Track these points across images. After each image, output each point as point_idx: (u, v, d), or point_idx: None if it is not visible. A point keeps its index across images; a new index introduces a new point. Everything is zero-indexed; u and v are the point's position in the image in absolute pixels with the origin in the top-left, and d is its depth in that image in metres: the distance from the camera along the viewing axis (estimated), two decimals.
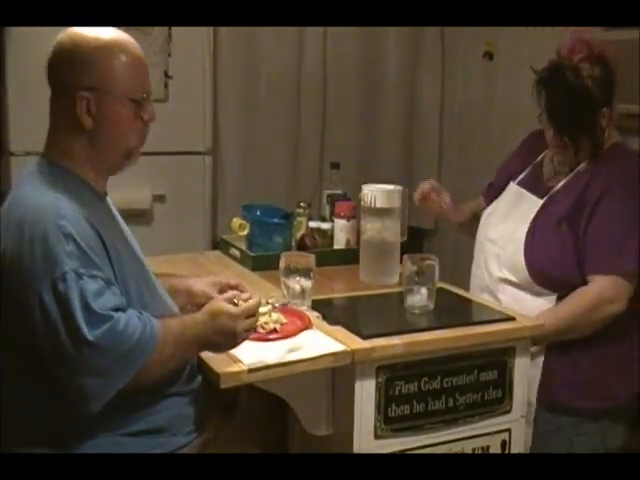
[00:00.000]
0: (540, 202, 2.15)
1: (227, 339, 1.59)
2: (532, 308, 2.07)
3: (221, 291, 1.92)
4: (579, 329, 2.05)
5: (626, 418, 2.18)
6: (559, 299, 2.08)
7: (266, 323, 1.77)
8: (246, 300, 1.63)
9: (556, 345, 2.07)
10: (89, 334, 1.41)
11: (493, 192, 2.36)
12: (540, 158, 2.25)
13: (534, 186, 2.20)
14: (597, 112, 2.05)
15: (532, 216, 2.14)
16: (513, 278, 2.14)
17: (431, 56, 3.92)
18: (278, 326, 1.79)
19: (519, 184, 2.24)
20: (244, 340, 1.62)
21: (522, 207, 2.19)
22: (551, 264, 2.07)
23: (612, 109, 2.09)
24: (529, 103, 2.21)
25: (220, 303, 1.60)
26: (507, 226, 2.20)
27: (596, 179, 2.07)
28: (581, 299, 2.04)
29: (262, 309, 1.78)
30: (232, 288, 1.94)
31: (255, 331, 1.70)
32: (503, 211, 2.25)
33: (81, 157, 1.58)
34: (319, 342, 1.76)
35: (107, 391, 1.45)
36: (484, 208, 2.38)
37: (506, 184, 2.29)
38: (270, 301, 1.85)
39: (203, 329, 1.56)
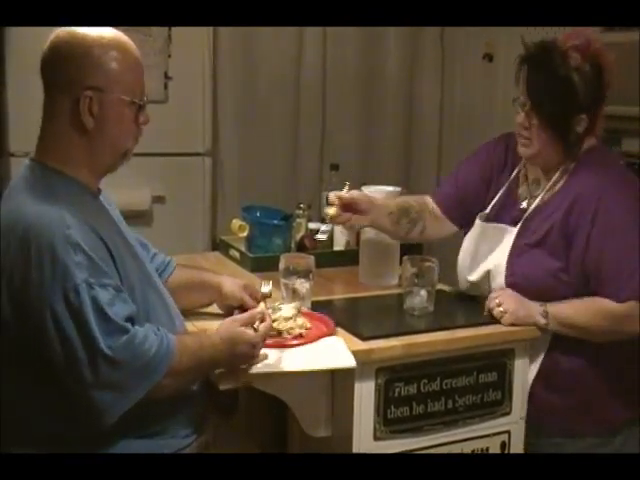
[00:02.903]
0: (515, 230, 1.98)
1: (243, 362, 1.62)
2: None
3: (251, 296, 1.89)
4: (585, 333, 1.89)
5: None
6: None
7: (292, 328, 1.76)
8: (262, 320, 1.64)
9: (556, 357, 1.95)
10: (104, 344, 1.40)
11: (451, 201, 2.17)
12: (507, 184, 2.07)
13: (504, 214, 2.04)
14: (573, 115, 1.88)
15: (509, 247, 1.98)
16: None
17: (431, 57, 3.93)
18: (304, 331, 1.78)
19: (487, 220, 2.06)
20: None
21: (494, 239, 2.02)
22: (537, 283, 1.92)
23: (595, 118, 1.91)
24: None
25: (240, 329, 1.61)
26: (486, 265, 2.04)
27: (580, 191, 1.88)
28: (595, 312, 1.86)
29: (287, 313, 1.79)
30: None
31: (280, 336, 1.74)
32: (474, 248, 2.08)
33: (77, 158, 1.56)
34: (337, 352, 1.72)
35: (121, 405, 1.45)
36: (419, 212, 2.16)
37: (464, 192, 2.14)
38: (294, 305, 1.84)
39: (220, 355, 1.58)
